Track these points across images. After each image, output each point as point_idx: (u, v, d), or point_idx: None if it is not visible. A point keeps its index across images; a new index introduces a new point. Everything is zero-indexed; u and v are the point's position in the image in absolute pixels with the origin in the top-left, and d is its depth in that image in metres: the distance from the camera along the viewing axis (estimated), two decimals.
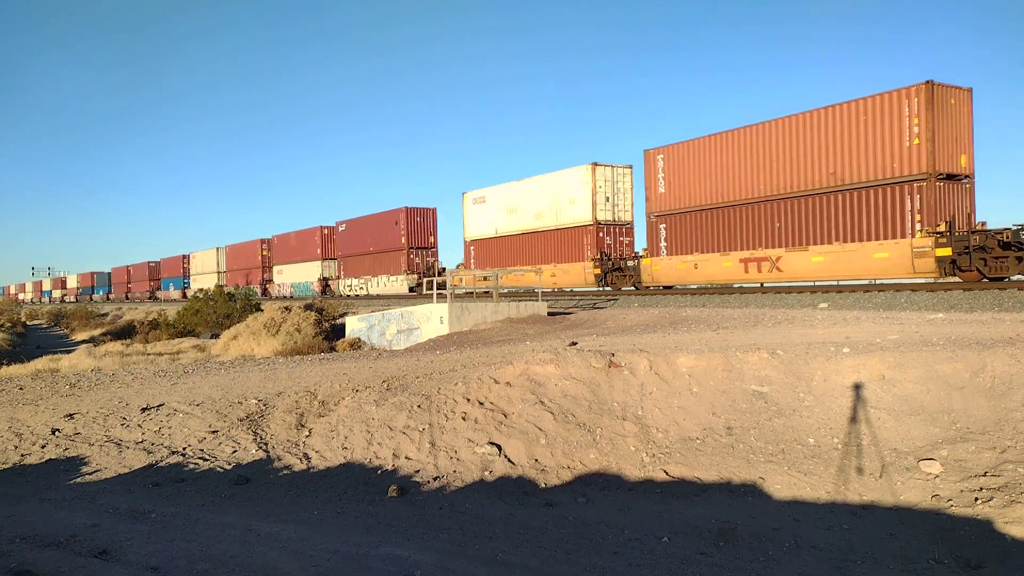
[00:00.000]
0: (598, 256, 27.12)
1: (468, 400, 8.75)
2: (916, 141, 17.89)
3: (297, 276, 49.59)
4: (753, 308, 17.44)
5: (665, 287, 25.28)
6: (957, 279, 17.78)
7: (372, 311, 22.84)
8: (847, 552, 5.44)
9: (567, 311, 21.76)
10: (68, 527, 5.98)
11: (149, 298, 73.73)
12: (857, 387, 7.46)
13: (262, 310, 25.24)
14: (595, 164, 27.89)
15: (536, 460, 7.63)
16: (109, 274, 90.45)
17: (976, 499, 5.90)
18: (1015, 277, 17.20)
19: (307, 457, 8.43)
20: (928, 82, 17.72)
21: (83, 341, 31.13)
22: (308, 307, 25.05)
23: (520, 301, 21.51)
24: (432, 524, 6.24)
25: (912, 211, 18.11)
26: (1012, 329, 9.31)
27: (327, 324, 22.66)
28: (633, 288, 26.37)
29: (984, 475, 6.14)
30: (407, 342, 19.41)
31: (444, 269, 35.77)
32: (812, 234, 20.28)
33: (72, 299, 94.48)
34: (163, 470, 8.24)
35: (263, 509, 6.84)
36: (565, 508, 6.64)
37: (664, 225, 24.66)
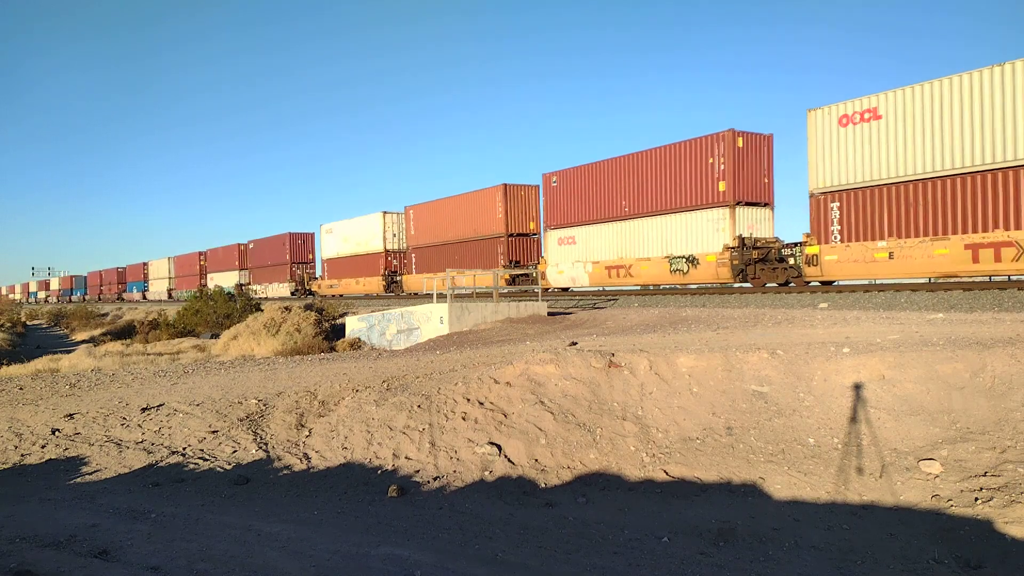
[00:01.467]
0: (385, 273, 41.96)
1: (468, 400, 8.75)
2: (500, 215, 32.79)
3: (223, 282, 60.94)
4: (753, 308, 17.45)
5: (415, 293, 39.04)
6: (517, 288, 30.82)
7: (372, 311, 22.84)
8: (847, 552, 5.44)
9: (567, 311, 21.77)
10: (68, 527, 5.98)
11: (117, 298, 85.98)
12: (857, 387, 7.46)
13: (262, 310, 25.24)
14: (385, 212, 42.26)
15: (536, 460, 7.62)
16: (85, 277, 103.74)
17: (976, 499, 5.90)
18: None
19: (307, 457, 8.43)
20: (504, 185, 32.52)
21: (83, 341, 31.12)
22: (308, 307, 25.05)
23: (520, 301, 21.55)
24: (432, 524, 6.24)
25: (499, 254, 33.01)
26: (1012, 329, 9.31)
27: (327, 324, 22.65)
28: (396, 295, 40.92)
29: (984, 475, 6.13)
30: (407, 342, 19.41)
31: (312, 279, 50.99)
32: (470, 264, 34.37)
33: (54, 299, 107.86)
34: (163, 470, 8.24)
35: (263, 509, 6.84)
36: (565, 508, 6.64)
37: (415, 255, 39.61)
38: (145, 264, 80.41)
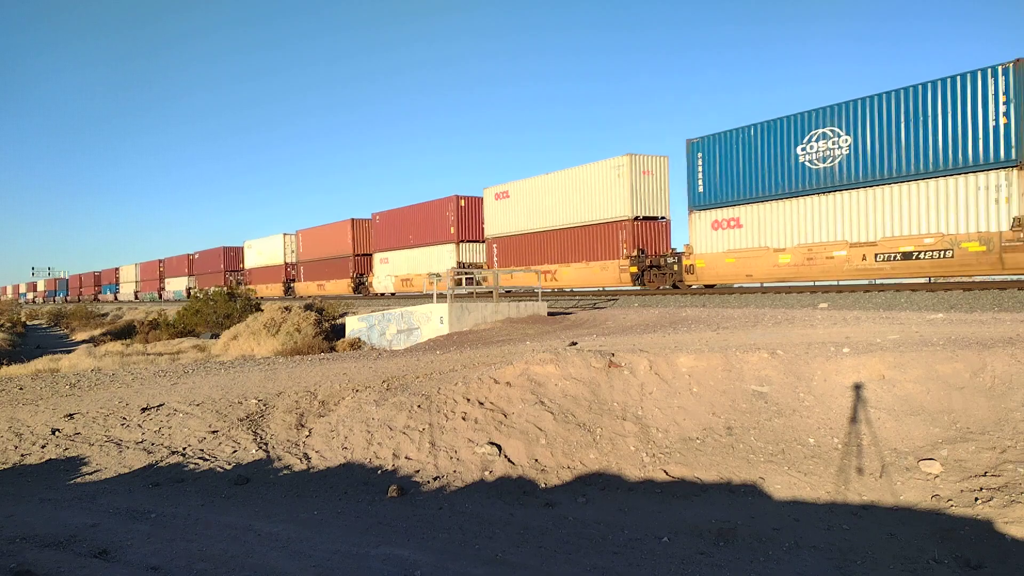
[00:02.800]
0: (284, 281, 54.50)
1: (468, 400, 8.75)
2: (349, 241, 45.86)
3: (177, 286, 72.56)
4: (753, 308, 17.45)
5: (307, 296, 49.20)
6: (360, 295, 44.28)
7: (372, 311, 22.84)
8: (847, 552, 5.44)
9: (567, 311, 21.78)
10: (68, 527, 5.98)
11: (94, 299, 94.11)
12: (857, 387, 7.46)
13: (262, 310, 25.23)
14: (284, 233, 55.17)
15: (536, 460, 7.62)
16: (67, 280, 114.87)
17: (976, 499, 5.90)
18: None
19: (307, 457, 8.43)
20: (352, 219, 46.09)
21: (83, 341, 31.11)
22: (308, 307, 25.05)
23: (520, 301, 21.56)
24: (432, 524, 6.24)
25: (350, 267, 45.90)
26: (1012, 329, 9.31)
27: (327, 324, 22.65)
28: (292, 297, 51.60)
29: (984, 475, 6.14)
30: (407, 342, 19.41)
31: (239, 284, 60.58)
32: (336, 274, 47.48)
33: (40, 300, 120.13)
34: (163, 470, 8.24)
35: (263, 509, 6.84)
36: (565, 508, 6.64)
37: (302, 267, 52.26)
38: (116, 269, 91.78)
